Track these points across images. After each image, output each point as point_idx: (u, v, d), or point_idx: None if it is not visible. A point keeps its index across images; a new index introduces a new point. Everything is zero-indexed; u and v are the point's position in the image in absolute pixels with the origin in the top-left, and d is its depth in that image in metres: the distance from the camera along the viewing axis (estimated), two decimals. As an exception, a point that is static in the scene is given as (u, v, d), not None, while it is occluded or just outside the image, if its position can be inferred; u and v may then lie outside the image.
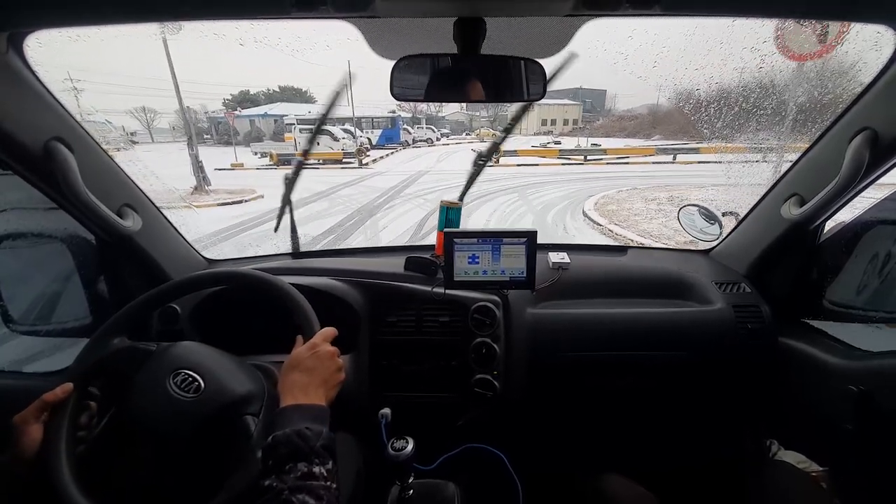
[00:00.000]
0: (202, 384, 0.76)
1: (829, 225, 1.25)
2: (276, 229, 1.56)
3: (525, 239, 1.19)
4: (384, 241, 6.15)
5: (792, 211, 1.18)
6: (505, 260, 1.21)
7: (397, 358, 1.28)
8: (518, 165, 16.67)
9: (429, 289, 1.29)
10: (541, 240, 1.23)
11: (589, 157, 18.45)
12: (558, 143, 27.20)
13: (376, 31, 0.92)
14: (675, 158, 17.14)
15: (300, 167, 1.48)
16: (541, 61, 0.89)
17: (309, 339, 0.81)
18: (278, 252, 1.62)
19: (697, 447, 1.52)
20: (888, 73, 0.91)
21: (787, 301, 1.32)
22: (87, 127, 1.04)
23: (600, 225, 7.14)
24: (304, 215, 8.23)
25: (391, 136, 26.00)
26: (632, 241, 6.18)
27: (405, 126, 27.90)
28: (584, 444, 1.52)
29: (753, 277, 1.39)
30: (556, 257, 1.44)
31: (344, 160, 18.01)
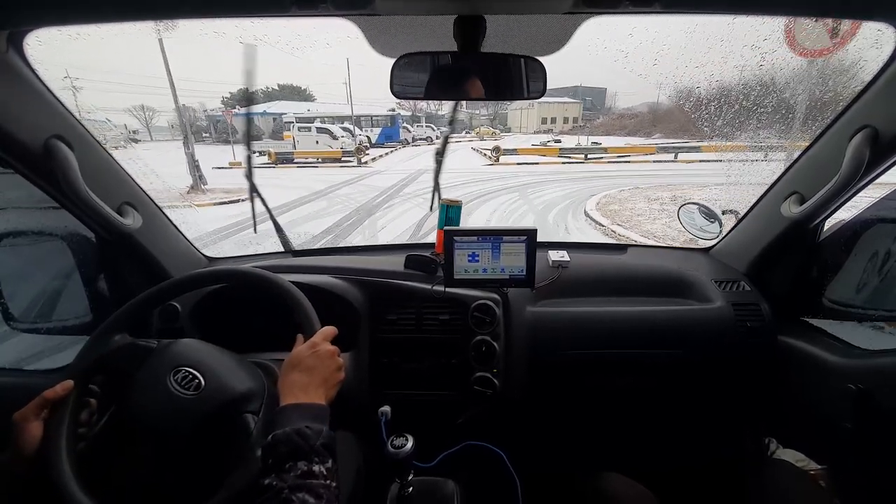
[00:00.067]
0: (202, 382, 0.76)
1: (829, 223, 1.25)
2: (254, 230, 1.56)
3: (525, 237, 1.19)
4: (383, 241, 6.07)
5: (792, 209, 1.18)
6: (505, 258, 1.21)
7: (397, 356, 1.29)
8: (518, 164, 16.66)
9: (429, 287, 1.29)
10: (542, 239, 1.23)
11: (590, 156, 18.42)
12: (558, 141, 27.21)
13: (376, 29, 0.92)
14: (676, 157, 17.07)
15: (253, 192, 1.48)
16: (541, 59, 0.89)
17: (309, 338, 0.81)
18: (278, 250, 1.62)
19: (697, 446, 1.52)
20: (888, 70, 0.91)
21: (787, 299, 1.32)
22: (88, 125, 1.04)
23: (602, 226, 7.06)
24: (301, 215, 8.21)
25: (390, 134, 25.97)
26: (635, 241, 6.12)
27: (405, 124, 27.87)
28: (584, 442, 1.53)
29: (753, 276, 1.39)
30: (555, 255, 1.44)
31: (343, 159, 18.00)
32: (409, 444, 0.93)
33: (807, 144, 1.16)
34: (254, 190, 1.46)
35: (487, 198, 9.49)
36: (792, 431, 1.29)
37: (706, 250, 1.60)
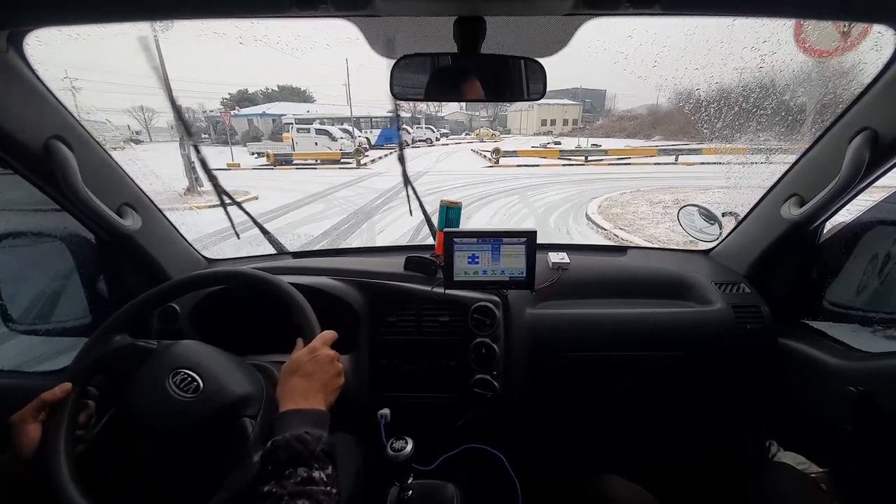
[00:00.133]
0: (201, 384, 0.76)
1: (829, 225, 1.25)
2: (237, 237, 1.56)
3: (525, 239, 1.19)
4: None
5: (792, 211, 1.18)
6: (505, 260, 1.21)
7: (397, 358, 1.28)
8: (518, 166, 16.65)
9: (428, 289, 1.29)
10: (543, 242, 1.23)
11: (590, 158, 18.39)
12: (558, 143, 27.22)
13: (376, 30, 0.92)
14: (677, 159, 17.02)
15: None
16: (541, 60, 0.89)
17: (309, 343, 0.81)
18: (278, 252, 1.62)
19: (697, 448, 1.52)
20: (888, 73, 0.91)
21: (787, 301, 1.32)
22: (87, 126, 1.04)
23: (605, 229, 6.97)
24: (296, 218, 8.17)
25: (390, 135, 25.96)
26: (635, 244, 6.09)
27: (404, 126, 27.89)
28: (584, 444, 1.52)
29: (753, 278, 1.39)
30: (555, 257, 1.44)
31: (342, 160, 17.97)
32: (409, 447, 0.93)
33: (807, 146, 1.16)
34: (226, 196, 1.44)
35: (487, 200, 9.45)
36: (793, 434, 1.29)
37: (706, 252, 1.60)
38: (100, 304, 1.28)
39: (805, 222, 1.18)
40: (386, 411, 1.01)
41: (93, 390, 0.81)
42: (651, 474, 1.17)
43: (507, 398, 1.27)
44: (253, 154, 20.45)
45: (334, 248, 4.01)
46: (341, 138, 20.62)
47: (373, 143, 24.61)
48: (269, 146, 21.23)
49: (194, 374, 0.76)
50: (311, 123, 21.67)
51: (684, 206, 1.64)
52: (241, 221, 1.49)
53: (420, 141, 29.22)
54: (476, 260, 1.21)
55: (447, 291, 1.27)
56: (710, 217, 1.59)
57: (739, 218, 1.46)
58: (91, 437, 0.77)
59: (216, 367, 0.80)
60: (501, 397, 1.26)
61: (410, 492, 0.99)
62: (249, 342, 1.07)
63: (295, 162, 18.23)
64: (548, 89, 0.92)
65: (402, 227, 6.35)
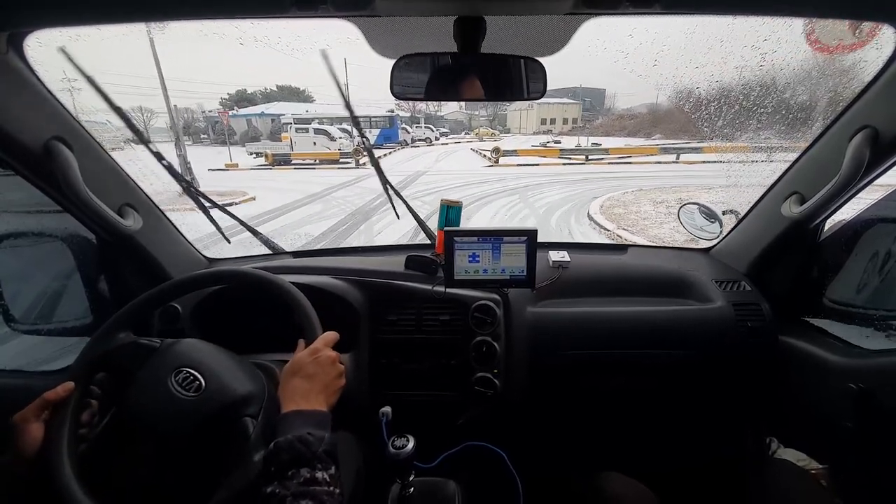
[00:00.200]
0: (203, 383, 0.76)
1: (830, 223, 1.25)
2: (227, 241, 1.56)
3: (525, 238, 1.19)
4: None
5: (792, 209, 1.18)
6: (505, 258, 1.21)
7: (398, 356, 1.29)
8: (518, 165, 16.63)
9: (429, 287, 1.29)
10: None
11: (590, 157, 18.34)
12: (558, 142, 27.20)
13: (376, 30, 0.92)
14: (678, 158, 16.91)
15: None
16: (541, 60, 0.89)
17: (310, 343, 0.81)
18: (278, 251, 1.62)
19: (698, 446, 1.52)
20: (888, 71, 0.91)
21: (788, 299, 1.32)
22: (88, 126, 1.04)
23: (608, 230, 6.88)
24: (294, 219, 8.13)
25: (389, 135, 25.96)
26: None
27: (403, 125, 27.86)
28: (585, 442, 1.53)
29: (753, 276, 1.39)
30: (556, 256, 1.44)
31: (341, 160, 17.95)
32: (410, 445, 0.93)
33: (807, 145, 1.16)
34: (205, 199, 1.42)
35: (487, 200, 9.42)
36: (793, 431, 1.29)
37: (706, 250, 1.60)
38: (101, 304, 1.28)
39: (805, 220, 1.18)
40: (387, 409, 1.01)
41: (95, 389, 0.81)
42: (652, 472, 1.17)
43: (508, 396, 1.27)
44: (251, 154, 20.42)
45: (335, 247, 4.01)
46: (340, 138, 20.57)
47: (372, 142, 24.59)
48: (267, 146, 21.18)
49: (196, 373, 0.77)
50: (310, 123, 21.61)
51: (685, 204, 1.64)
52: (235, 224, 1.49)
53: (419, 140, 29.23)
54: (476, 259, 1.21)
55: (448, 290, 1.27)
56: (710, 215, 1.59)
57: (740, 216, 1.46)
58: (94, 436, 0.78)
59: (218, 366, 0.80)
60: (502, 396, 1.26)
61: (412, 489, 1.00)
62: (251, 341, 1.07)
63: (293, 162, 18.21)
64: (548, 88, 0.92)
65: (401, 227, 6.31)
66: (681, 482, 1.32)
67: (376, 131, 25.65)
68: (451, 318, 1.28)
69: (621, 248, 1.67)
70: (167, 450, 0.74)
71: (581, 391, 1.39)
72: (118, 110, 1.09)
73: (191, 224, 1.58)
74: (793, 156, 1.21)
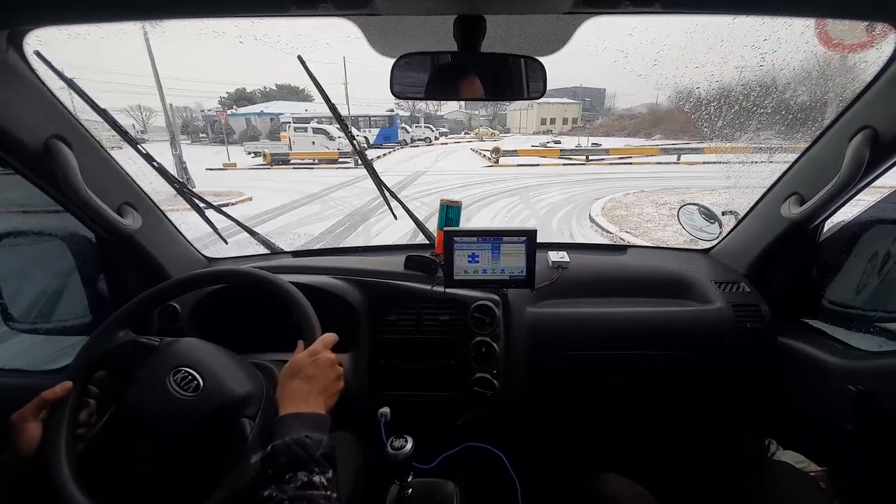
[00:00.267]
0: (201, 383, 0.76)
1: (829, 224, 1.25)
2: (226, 242, 1.56)
3: (525, 238, 1.19)
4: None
5: (792, 210, 1.18)
6: (505, 259, 1.21)
7: (397, 356, 1.28)
8: (518, 165, 16.62)
9: (428, 287, 1.29)
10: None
11: (591, 158, 18.32)
12: (558, 142, 27.19)
13: (376, 29, 0.92)
14: (679, 159, 16.85)
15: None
16: (541, 59, 0.89)
17: (310, 345, 0.81)
18: (277, 251, 1.62)
19: (697, 447, 1.52)
20: (888, 71, 0.91)
21: (787, 300, 1.32)
22: (87, 125, 1.04)
23: (610, 233, 6.80)
24: (292, 220, 8.10)
25: (389, 135, 25.95)
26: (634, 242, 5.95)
27: (403, 125, 27.85)
28: (584, 443, 1.52)
29: (753, 277, 1.39)
30: (555, 256, 1.44)
31: (340, 160, 17.94)
32: (409, 446, 0.93)
33: (807, 145, 1.16)
34: (200, 200, 1.40)
35: (488, 201, 9.39)
36: (792, 433, 1.29)
37: (706, 251, 1.60)
38: (100, 304, 1.28)
39: (805, 221, 1.18)
40: (386, 410, 1.01)
41: (93, 388, 0.81)
42: (651, 473, 1.17)
43: (507, 397, 1.27)
44: (249, 154, 20.37)
45: (334, 247, 4.00)
46: (339, 137, 20.49)
47: (371, 142, 24.57)
48: (265, 145, 21.10)
49: (195, 373, 0.76)
50: (309, 122, 21.56)
51: (684, 205, 1.64)
52: (233, 224, 1.49)
53: (419, 140, 29.23)
54: (476, 259, 1.21)
55: (447, 290, 1.27)
56: (710, 216, 1.59)
57: (739, 217, 1.46)
58: (92, 435, 0.77)
59: (217, 366, 0.80)
60: (501, 396, 1.26)
61: (410, 490, 1.00)
62: (250, 341, 1.07)
63: (292, 161, 18.19)
64: (547, 88, 0.92)
65: (399, 229, 6.27)
66: (680, 483, 1.32)
67: (376, 131, 25.66)
68: (451, 318, 1.28)
69: (621, 248, 1.67)
70: (166, 449, 0.74)
71: (580, 392, 1.39)
72: (103, 112, 1.08)
73: (190, 223, 1.58)
74: (793, 156, 1.20)
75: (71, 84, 0.99)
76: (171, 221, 1.35)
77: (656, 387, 1.39)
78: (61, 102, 0.96)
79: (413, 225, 1.49)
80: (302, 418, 0.68)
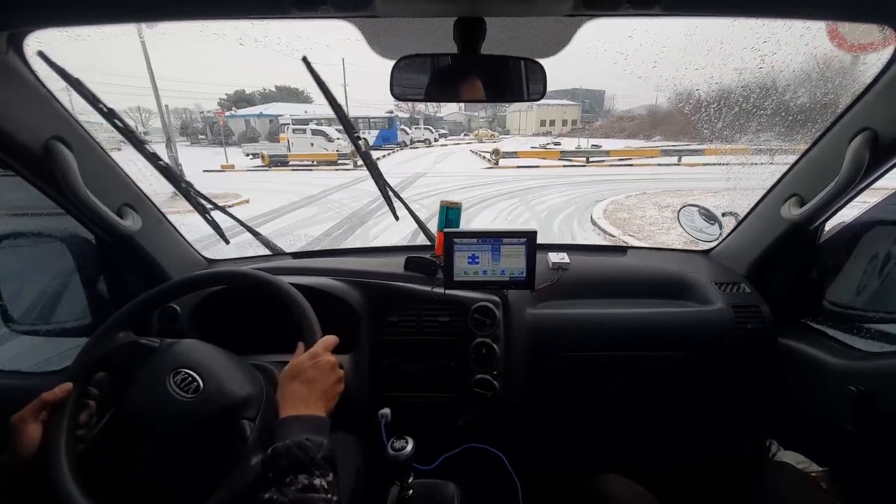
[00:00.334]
0: (201, 385, 0.76)
1: (829, 225, 1.25)
2: (226, 242, 1.56)
3: (525, 239, 1.19)
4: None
5: (792, 211, 1.18)
6: (505, 260, 1.21)
7: (397, 358, 1.28)
8: (518, 167, 16.61)
9: (429, 289, 1.29)
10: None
11: (591, 159, 18.28)
12: (558, 143, 27.18)
13: (376, 31, 0.92)
14: (680, 160, 16.79)
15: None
16: (540, 61, 0.89)
17: (310, 347, 0.81)
18: (278, 252, 1.62)
19: (697, 448, 1.52)
20: (888, 73, 0.91)
21: (787, 301, 1.32)
22: (87, 126, 1.04)
23: (613, 236, 6.71)
24: (289, 223, 8.04)
25: (388, 136, 25.92)
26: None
27: (402, 126, 27.85)
28: (584, 444, 1.52)
29: (753, 278, 1.39)
30: (555, 257, 1.44)
31: (339, 161, 17.90)
32: (410, 447, 0.93)
33: (807, 147, 1.16)
34: (206, 201, 1.40)
35: (488, 203, 9.34)
36: (793, 433, 1.29)
37: (706, 252, 1.60)
38: (100, 305, 1.28)
39: (805, 222, 1.18)
40: (386, 411, 1.01)
41: (93, 390, 0.80)
42: (651, 474, 1.17)
43: (508, 398, 1.27)
44: (248, 155, 20.34)
45: (334, 248, 4.00)
46: (338, 139, 20.46)
47: (371, 143, 24.55)
48: (264, 147, 21.03)
49: (195, 374, 0.76)
50: (308, 124, 21.55)
51: (684, 206, 1.65)
52: (233, 225, 1.49)
53: (418, 141, 29.22)
54: (476, 260, 1.21)
55: (447, 291, 1.27)
56: (710, 217, 1.59)
57: (739, 218, 1.46)
58: (92, 436, 0.77)
59: (217, 368, 0.80)
60: (501, 397, 1.26)
61: (411, 491, 1.00)
62: (250, 342, 1.07)
63: (291, 163, 18.16)
64: (547, 90, 0.92)
65: (399, 231, 6.21)
66: (680, 484, 1.31)
67: (375, 132, 25.65)
68: (451, 319, 1.28)
69: (621, 249, 1.67)
70: (166, 450, 0.74)
71: (580, 393, 1.39)
72: (109, 113, 1.08)
73: (190, 225, 1.58)
74: (793, 158, 1.21)
75: (76, 85, 0.99)
76: (170, 223, 1.35)
77: (657, 388, 1.39)
78: (61, 104, 0.97)
79: (412, 228, 1.49)
80: (302, 421, 0.68)
